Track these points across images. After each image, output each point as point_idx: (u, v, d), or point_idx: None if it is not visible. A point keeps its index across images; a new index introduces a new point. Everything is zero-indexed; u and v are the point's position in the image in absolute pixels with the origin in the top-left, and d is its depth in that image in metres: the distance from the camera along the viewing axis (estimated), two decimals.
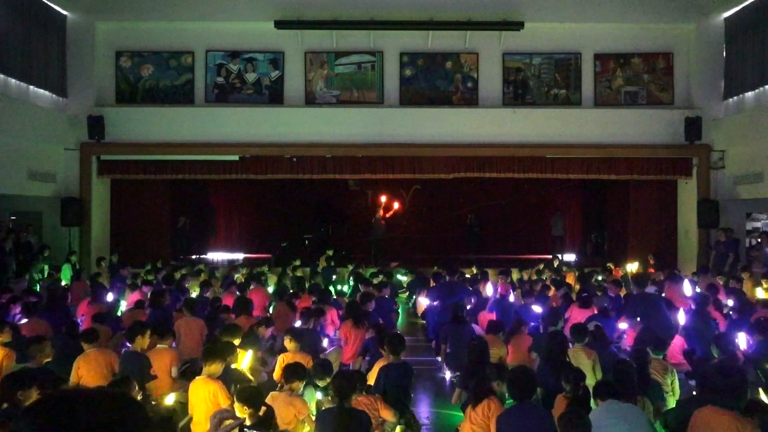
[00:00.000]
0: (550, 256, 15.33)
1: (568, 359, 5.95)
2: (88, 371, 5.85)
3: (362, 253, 16.53)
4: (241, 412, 4.30)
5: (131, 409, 1.16)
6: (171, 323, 7.63)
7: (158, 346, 6.39)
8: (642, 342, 6.61)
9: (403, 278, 13.88)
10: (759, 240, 12.87)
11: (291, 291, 10.56)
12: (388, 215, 18.03)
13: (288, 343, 6.37)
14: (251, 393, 4.47)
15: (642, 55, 14.72)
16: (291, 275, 12.59)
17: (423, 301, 10.69)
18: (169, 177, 14.99)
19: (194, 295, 10.00)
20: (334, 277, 13.26)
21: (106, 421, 1.11)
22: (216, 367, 5.12)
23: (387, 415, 4.97)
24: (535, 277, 12.02)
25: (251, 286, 10.45)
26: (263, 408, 4.40)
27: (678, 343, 7.39)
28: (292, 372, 5.04)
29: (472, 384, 5.07)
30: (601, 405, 4.36)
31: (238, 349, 6.08)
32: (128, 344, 6.28)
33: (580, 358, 6.10)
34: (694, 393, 5.86)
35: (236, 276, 12.25)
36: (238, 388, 4.73)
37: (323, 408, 5.12)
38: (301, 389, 5.05)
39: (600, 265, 13.73)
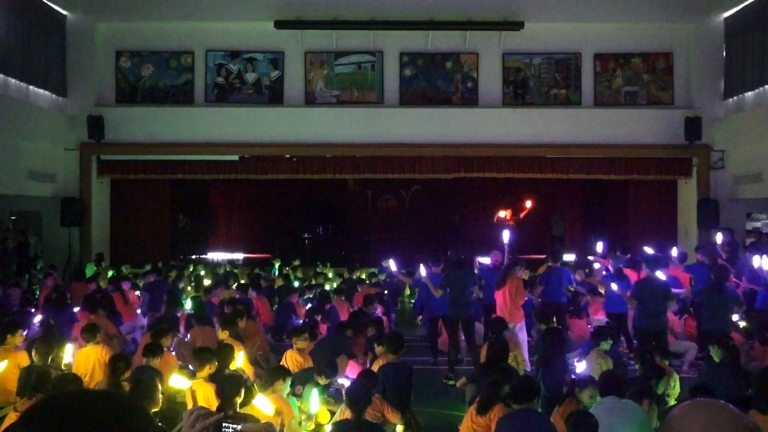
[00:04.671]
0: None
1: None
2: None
3: (362, 254, 16.48)
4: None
5: (132, 411, 1.14)
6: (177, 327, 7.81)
7: None
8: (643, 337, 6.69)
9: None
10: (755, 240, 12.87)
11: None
12: (521, 215, 17.86)
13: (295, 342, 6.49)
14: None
15: (642, 55, 14.70)
16: (292, 276, 12.58)
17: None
18: (169, 177, 14.98)
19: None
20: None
21: (106, 424, 1.09)
22: (210, 369, 5.20)
23: (393, 418, 5.01)
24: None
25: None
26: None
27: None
28: (274, 372, 5.17)
29: (482, 388, 5.09)
30: (602, 401, 4.36)
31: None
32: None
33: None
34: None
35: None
36: None
37: (318, 407, 5.23)
38: (288, 389, 5.10)
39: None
